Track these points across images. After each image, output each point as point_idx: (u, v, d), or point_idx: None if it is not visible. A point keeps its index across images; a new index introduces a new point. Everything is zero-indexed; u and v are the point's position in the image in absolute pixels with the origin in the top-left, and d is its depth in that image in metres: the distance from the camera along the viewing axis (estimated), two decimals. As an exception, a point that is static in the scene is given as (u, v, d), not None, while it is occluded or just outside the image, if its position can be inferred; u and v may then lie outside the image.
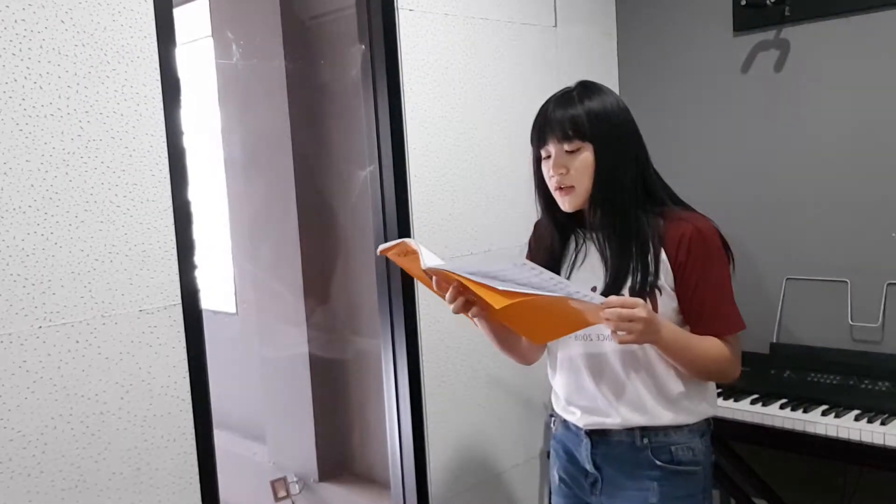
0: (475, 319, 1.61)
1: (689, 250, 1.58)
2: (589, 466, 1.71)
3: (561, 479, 1.81)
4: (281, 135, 3.32)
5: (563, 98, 1.63)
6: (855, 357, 2.40)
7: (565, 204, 1.63)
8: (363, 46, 2.33)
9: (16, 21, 1.56)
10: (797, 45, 2.55)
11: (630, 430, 1.65)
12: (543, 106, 1.66)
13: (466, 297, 1.49)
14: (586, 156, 1.58)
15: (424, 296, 2.35)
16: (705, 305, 1.60)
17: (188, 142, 1.81)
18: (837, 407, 2.22)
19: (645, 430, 1.64)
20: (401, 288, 2.30)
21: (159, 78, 1.76)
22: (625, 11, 2.96)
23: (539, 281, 1.40)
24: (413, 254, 1.51)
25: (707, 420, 1.70)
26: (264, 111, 3.41)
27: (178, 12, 1.81)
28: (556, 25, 2.76)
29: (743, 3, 2.60)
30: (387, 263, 2.33)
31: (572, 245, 1.71)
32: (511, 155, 2.60)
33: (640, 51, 2.92)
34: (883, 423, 2.10)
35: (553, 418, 1.84)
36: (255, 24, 3.43)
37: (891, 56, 2.37)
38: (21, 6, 1.56)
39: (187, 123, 1.81)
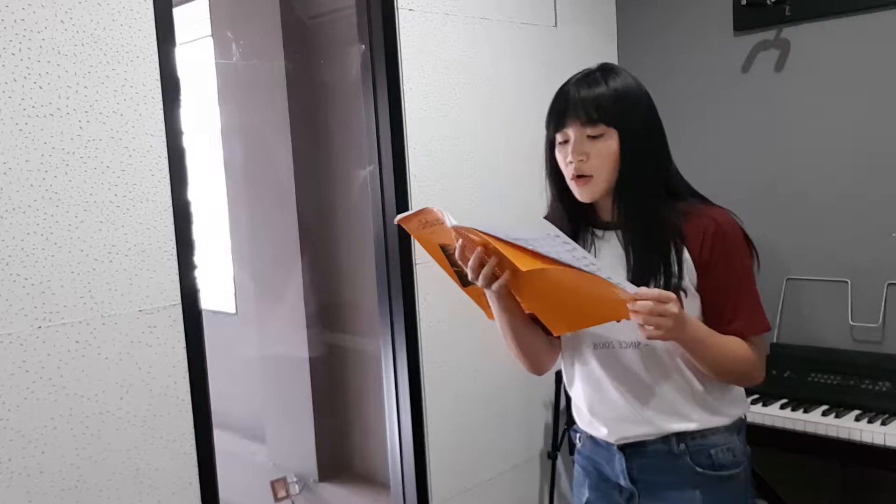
0: (494, 304, 1.52)
1: (712, 247, 1.49)
2: (624, 481, 1.60)
3: (591, 499, 1.68)
4: (281, 134, 3.32)
5: (585, 78, 1.51)
6: (855, 357, 2.39)
7: (583, 194, 1.51)
8: (363, 46, 2.33)
9: (15, 21, 1.55)
10: (797, 44, 2.55)
11: (665, 438, 1.54)
12: (563, 86, 1.53)
13: (491, 266, 1.38)
14: (610, 143, 1.47)
15: (424, 296, 2.35)
16: (728, 304, 1.50)
17: (188, 142, 1.81)
18: (838, 407, 2.22)
19: (680, 436, 1.54)
20: (401, 288, 2.30)
21: (159, 78, 1.75)
22: (625, 11, 2.96)
23: (570, 258, 1.30)
24: (433, 224, 1.43)
25: (742, 416, 1.61)
26: (264, 111, 3.41)
27: (177, 12, 1.81)
28: (555, 25, 2.76)
29: (743, 2, 2.60)
30: (387, 263, 2.33)
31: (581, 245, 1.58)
32: (511, 154, 2.60)
33: (640, 51, 2.92)
34: (883, 424, 2.10)
35: (578, 434, 1.71)
36: (254, 23, 3.43)
37: (891, 56, 2.37)
38: (21, 6, 1.56)
39: (187, 123, 1.81)
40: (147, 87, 1.74)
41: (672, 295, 1.36)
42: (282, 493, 3.41)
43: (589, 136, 1.47)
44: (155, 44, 1.75)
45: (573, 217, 1.58)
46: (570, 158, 1.48)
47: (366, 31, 2.30)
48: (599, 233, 1.57)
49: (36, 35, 1.58)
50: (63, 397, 1.64)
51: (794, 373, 2.43)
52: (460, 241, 1.40)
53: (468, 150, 2.48)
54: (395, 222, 1.50)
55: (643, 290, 1.35)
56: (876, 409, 2.17)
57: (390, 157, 2.28)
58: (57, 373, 1.63)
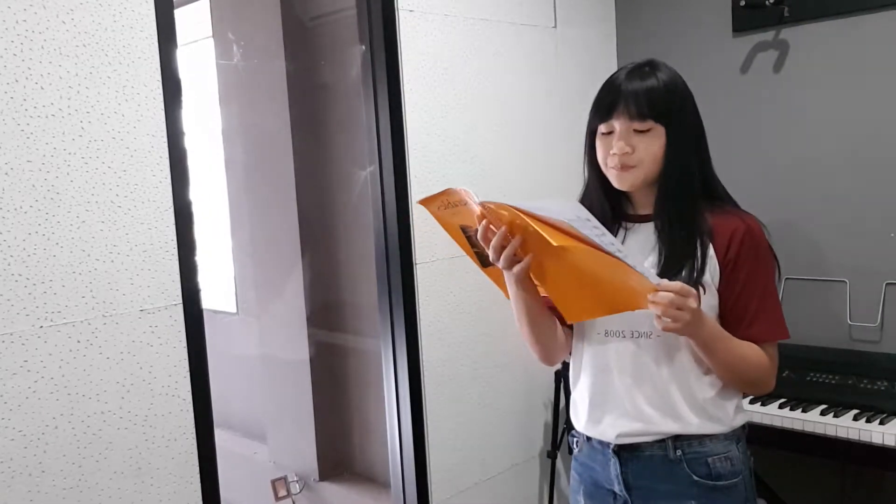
0: (512, 288, 1.52)
1: (740, 248, 1.49)
2: (618, 488, 1.58)
3: None
4: (281, 135, 3.33)
5: (636, 70, 1.50)
6: (853, 357, 2.40)
7: (624, 182, 1.50)
8: (363, 47, 2.34)
9: (17, 22, 1.56)
10: (796, 45, 2.55)
11: (661, 442, 1.52)
12: (612, 78, 1.52)
13: (513, 248, 1.38)
14: (657, 139, 1.47)
15: (424, 296, 2.36)
16: (749, 308, 1.50)
17: (189, 142, 1.82)
18: (836, 406, 2.23)
19: (678, 440, 1.52)
20: (401, 288, 2.31)
21: (160, 78, 1.76)
22: (624, 12, 2.97)
23: (599, 243, 1.29)
24: (456, 205, 1.43)
25: (742, 426, 1.59)
26: (265, 111, 3.42)
27: (179, 13, 1.82)
28: (555, 26, 2.77)
29: (742, 3, 2.61)
30: (387, 263, 2.34)
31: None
32: (511, 155, 2.61)
33: (639, 52, 2.92)
34: (881, 423, 2.11)
35: (575, 438, 1.69)
36: (255, 24, 3.44)
37: (890, 56, 2.37)
38: (22, 7, 1.57)
39: (188, 124, 1.82)
40: (148, 87, 1.75)
41: (693, 290, 1.37)
42: (282, 492, 3.42)
43: (636, 131, 1.47)
44: (156, 45, 1.75)
45: (607, 207, 1.58)
46: (614, 150, 1.48)
47: (366, 32, 2.30)
48: (629, 225, 1.58)
49: (38, 36, 1.59)
50: (64, 397, 1.64)
51: (793, 372, 2.43)
52: (485, 220, 1.41)
53: (468, 150, 2.49)
54: (417, 203, 1.52)
55: (666, 282, 1.35)
56: (874, 409, 2.17)
57: (390, 157, 2.28)
58: (58, 372, 1.64)
